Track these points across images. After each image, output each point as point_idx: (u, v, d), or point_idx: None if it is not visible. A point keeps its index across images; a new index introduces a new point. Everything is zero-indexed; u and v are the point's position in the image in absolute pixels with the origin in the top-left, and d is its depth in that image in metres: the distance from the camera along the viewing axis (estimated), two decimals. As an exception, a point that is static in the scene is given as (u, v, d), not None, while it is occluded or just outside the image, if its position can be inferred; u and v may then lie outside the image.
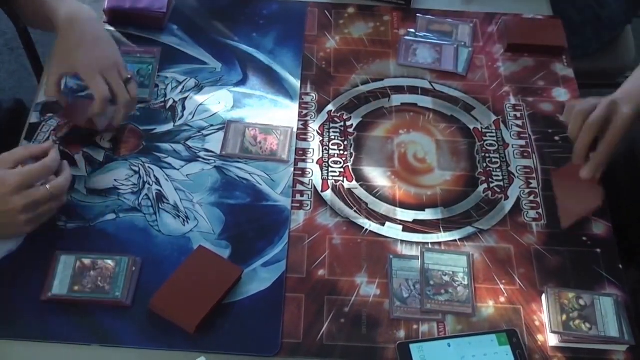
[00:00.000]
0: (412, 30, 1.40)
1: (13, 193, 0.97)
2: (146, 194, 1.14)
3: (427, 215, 1.15)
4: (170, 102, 1.27)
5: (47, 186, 1.00)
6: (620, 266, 1.09)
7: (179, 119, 1.25)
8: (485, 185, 1.19)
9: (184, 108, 1.26)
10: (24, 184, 0.98)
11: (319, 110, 1.28)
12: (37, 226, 1.03)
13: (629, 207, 1.26)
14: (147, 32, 1.37)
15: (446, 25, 1.43)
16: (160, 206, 1.13)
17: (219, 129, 1.23)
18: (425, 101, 1.31)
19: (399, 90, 1.32)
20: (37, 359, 0.98)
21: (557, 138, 1.25)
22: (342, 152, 1.22)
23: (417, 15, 1.43)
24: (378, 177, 1.19)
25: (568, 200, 1.16)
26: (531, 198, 1.17)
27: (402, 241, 1.11)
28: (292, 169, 1.19)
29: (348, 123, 1.26)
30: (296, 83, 1.31)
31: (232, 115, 1.25)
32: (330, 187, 1.17)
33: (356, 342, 1.00)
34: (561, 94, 1.32)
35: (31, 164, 1.03)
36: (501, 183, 1.19)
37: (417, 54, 1.37)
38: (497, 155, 1.23)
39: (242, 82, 1.31)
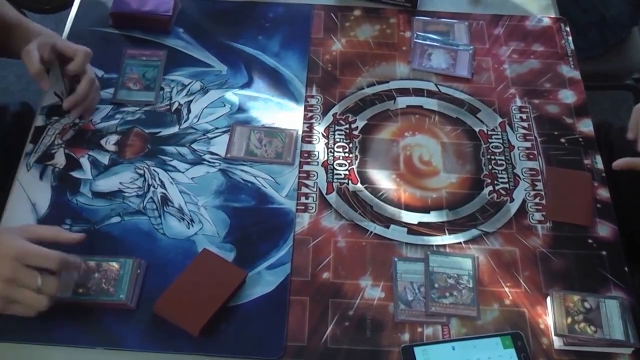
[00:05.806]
0: (421, 34, 1.39)
1: (8, 260, 0.90)
2: (151, 197, 1.14)
3: (432, 217, 1.15)
4: (176, 105, 1.27)
5: (38, 281, 0.91)
6: (626, 269, 1.09)
7: (184, 122, 1.25)
8: (490, 188, 1.18)
9: (189, 111, 1.26)
10: (21, 264, 0.91)
11: (324, 112, 1.28)
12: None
13: (634, 209, 1.25)
14: (153, 35, 1.38)
15: (442, 25, 1.42)
16: (165, 209, 1.13)
17: (224, 132, 1.23)
18: (431, 103, 1.30)
19: (405, 92, 1.32)
20: (41, 362, 0.98)
21: (563, 140, 1.25)
22: (347, 155, 1.22)
23: (415, 17, 1.43)
24: (383, 179, 1.19)
25: (556, 200, 1.16)
26: (536, 200, 1.17)
27: (407, 244, 1.11)
28: (297, 172, 1.19)
29: (353, 125, 1.26)
30: (301, 86, 1.31)
31: (237, 117, 1.26)
32: (335, 189, 1.17)
33: (360, 345, 1.00)
34: (567, 95, 1.32)
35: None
36: (506, 185, 1.19)
37: (431, 58, 1.36)
38: (503, 158, 1.22)
39: (248, 85, 1.31)
